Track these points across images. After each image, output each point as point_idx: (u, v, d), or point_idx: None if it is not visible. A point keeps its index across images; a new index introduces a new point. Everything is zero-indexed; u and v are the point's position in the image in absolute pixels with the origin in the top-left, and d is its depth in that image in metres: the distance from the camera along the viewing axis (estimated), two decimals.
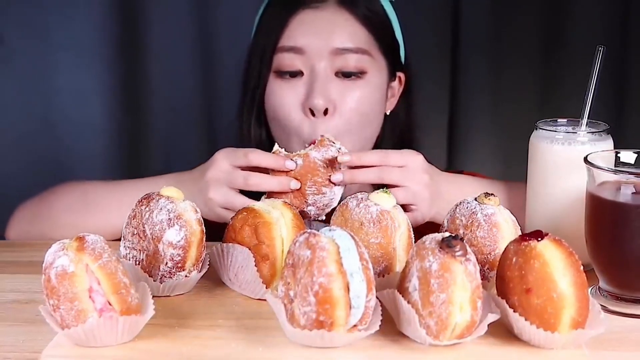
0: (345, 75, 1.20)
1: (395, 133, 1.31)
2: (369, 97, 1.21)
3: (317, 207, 1.03)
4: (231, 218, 0.93)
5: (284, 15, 1.21)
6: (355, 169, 1.02)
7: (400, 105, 1.32)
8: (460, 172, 1.34)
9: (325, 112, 1.17)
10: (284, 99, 1.20)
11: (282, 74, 1.20)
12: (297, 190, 1.02)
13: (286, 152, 1.04)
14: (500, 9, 1.82)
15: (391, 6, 1.28)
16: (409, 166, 1.04)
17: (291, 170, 1.02)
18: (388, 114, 1.30)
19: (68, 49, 1.75)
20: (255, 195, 1.03)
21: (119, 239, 0.93)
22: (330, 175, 1.01)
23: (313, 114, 1.17)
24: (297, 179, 1.01)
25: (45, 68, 1.76)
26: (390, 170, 1.03)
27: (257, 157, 1.04)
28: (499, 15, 1.83)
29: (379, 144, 1.28)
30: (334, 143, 1.03)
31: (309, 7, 1.21)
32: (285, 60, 1.19)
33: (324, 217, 1.04)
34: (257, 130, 1.26)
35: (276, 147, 1.06)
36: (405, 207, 1.01)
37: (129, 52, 1.77)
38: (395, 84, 1.30)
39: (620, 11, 1.78)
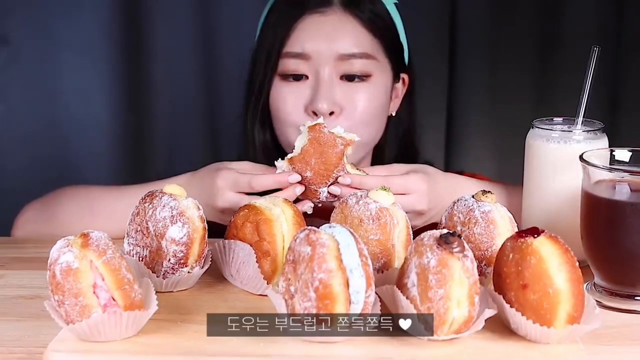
0: (349, 78, 1.19)
1: (398, 134, 1.32)
2: (374, 99, 1.21)
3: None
4: (233, 215, 0.94)
5: (289, 20, 1.20)
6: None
7: (403, 106, 1.32)
8: (461, 172, 1.35)
9: (331, 114, 1.17)
10: (288, 101, 1.19)
11: (286, 76, 1.20)
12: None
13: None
14: (497, 10, 1.83)
15: (395, 8, 1.27)
16: (411, 194, 1.04)
17: (297, 182, 1.02)
18: (393, 114, 1.30)
19: (73, 50, 1.75)
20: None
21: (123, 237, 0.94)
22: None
23: (316, 115, 1.17)
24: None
25: (51, 68, 1.76)
26: None
27: (260, 181, 1.04)
28: (495, 16, 1.83)
29: (382, 144, 1.29)
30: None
31: (314, 12, 1.20)
32: (291, 65, 1.19)
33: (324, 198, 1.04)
34: (261, 133, 1.26)
35: (279, 162, 1.05)
36: None
37: (133, 53, 1.77)
38: (399, 85, 1.30)
39: (615, 12, 1.78)
